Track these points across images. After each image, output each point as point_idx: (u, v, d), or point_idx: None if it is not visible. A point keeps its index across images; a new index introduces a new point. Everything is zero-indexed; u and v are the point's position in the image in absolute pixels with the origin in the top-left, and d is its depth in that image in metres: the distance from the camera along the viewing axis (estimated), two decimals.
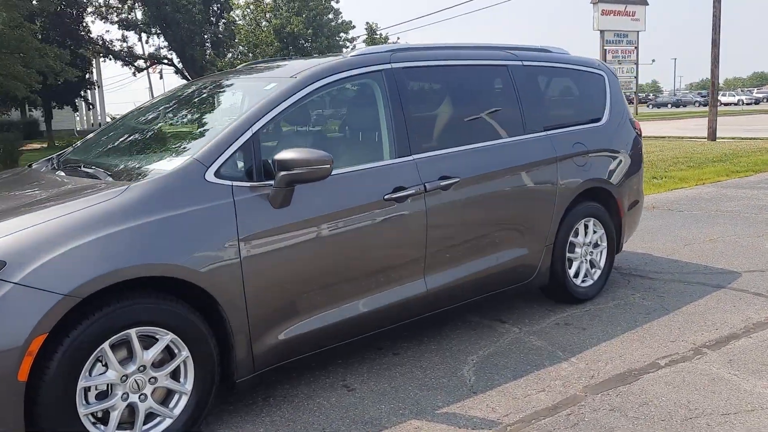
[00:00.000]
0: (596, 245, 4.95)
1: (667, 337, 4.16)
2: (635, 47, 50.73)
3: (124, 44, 46.71)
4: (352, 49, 35.93)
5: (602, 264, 4.98)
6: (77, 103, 40.89)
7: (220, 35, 42.30)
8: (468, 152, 4.05)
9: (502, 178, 4.18)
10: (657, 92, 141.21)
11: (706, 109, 27.13)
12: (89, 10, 45.80)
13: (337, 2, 36.21)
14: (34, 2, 40.44)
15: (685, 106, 70.23)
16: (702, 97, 70.18)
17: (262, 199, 3.17)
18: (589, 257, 4.89)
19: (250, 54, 37.46)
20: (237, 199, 3.09)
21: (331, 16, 36.46)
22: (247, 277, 3.08)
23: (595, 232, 4.91)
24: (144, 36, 48.74)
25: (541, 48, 5.04)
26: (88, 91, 44.92)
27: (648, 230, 7.18)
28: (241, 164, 3.21)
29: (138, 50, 48.24)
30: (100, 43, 44.69)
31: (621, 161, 5.07)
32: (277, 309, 3.23)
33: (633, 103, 52.69)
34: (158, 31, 46.45)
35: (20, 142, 24.10)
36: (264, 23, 35.50)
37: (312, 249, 3.32)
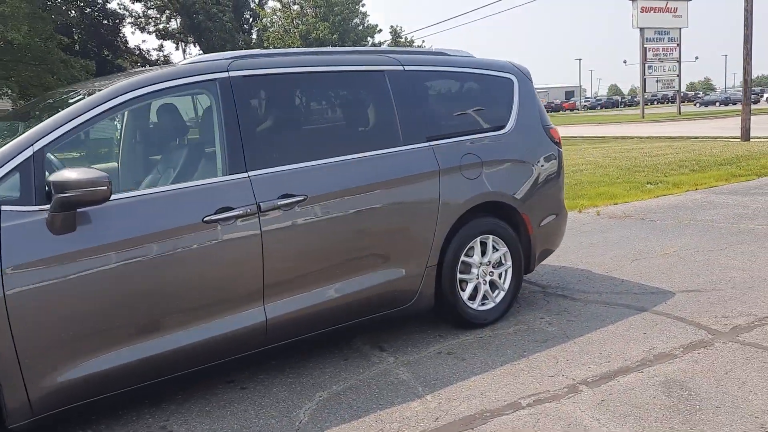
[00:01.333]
0: (499, 264, 4.53)
1: (548, 370, 3.73)
2: (677, 44, 49.19)
3: (161, 53, 47.63)
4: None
5: (506, 285, 4.55)
6: None
7: (252, 43, 42.59)
8: (321, 167, 3.70)
9: (365, 194, 3.81)
10: (710, 90, 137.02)
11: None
12: (128, 20, 46.83)
13: (363, 6, 36.03)
14: (72, 14, 41.64)
15: (734, 104, 67.61)
16: (754, 94, 67.50)
17: (40, 225, 2.90)
18: (488, 278, 4.47)
19: None
20: (4, 225, 2.82)
21: (357, 20, 36.28)
22: (14, 313, 2.80)
23: (496, 250, 4.49)
24: (181, 45, 49.63)
25: (436, 51, 4.65)
26: None
27: (604, 243, 6.67)
28: (17, 186, 2.93)
29: (175, 59, 49.09)
30: (137, 53, 45.59)
31: (529, 173, 4.63)
32: (60, 347, 2.95)
33: (675, 101, 51.04)
34: (193, 40, 47.16)
35: None
36: (292, 29, 35.51)
37: (105, 279, 3.03)
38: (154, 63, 46.83)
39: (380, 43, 34.46)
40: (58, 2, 37.70)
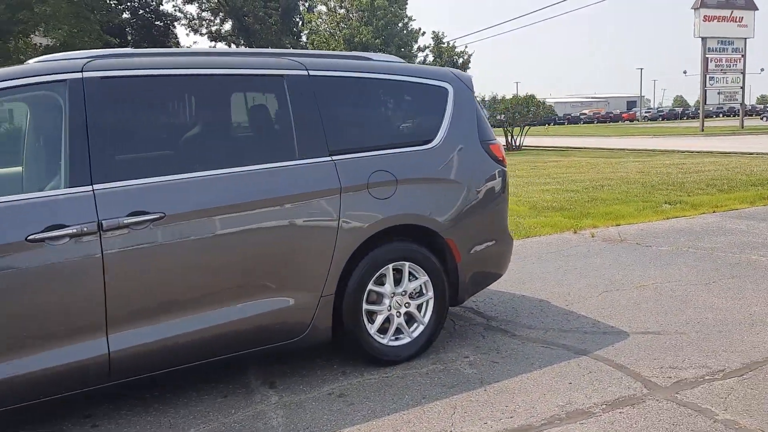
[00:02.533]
0: (419, 294, 4.04)
1: (437, 424, 3.23)
2: (742, 55, 47.08)
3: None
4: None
5: (426, 318, 4.05)
6: None
7: (299, 46, 42.71)
8: (188, 182, 3.29)
9: (241, 213, 3.39)
10: None
11: None
12: (182, 22, 47.67)
13: (406, 10, 35.56)
14: (125, 15, 42.60)
15: None
16: None
17: None
18: (404, 309, 3.98)
19: None
20: None
21: (400, 25, 35.88)
22: None
23: (414, 278, 4.00)
24: (233, 47, 50.25)
25: (358, 56, 4.19)
26: None
27: (581, 269, 6.07)
28: None
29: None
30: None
31: (459, 194, 4.12)
32: None
33: (739, 114, 48.76)
34: (243, 42, 47.65)
35: None
36: (337, 33, 35.39)
37: None
38: None
39: (424, 48, 33.98)
40: (112, 3, 38.58)
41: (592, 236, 7.64)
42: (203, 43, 48.95)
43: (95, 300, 3.05)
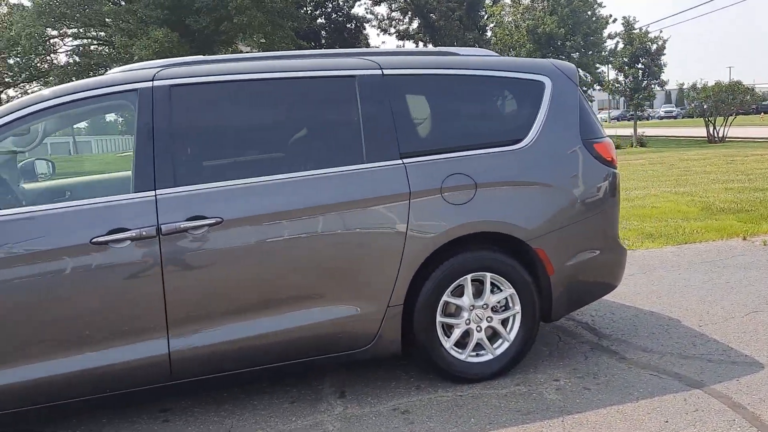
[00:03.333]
0: (505, 308, 3.72)
1: None
2: None
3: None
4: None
5: (512, 335, 3.72)
6: None
7: (483, 41, 42.29)
8: (249, 187, 3.29)
9: (303, 219, 3.32)
10: None
11: None
12: (373, 23, 49.35)
13: None
14: (320, 20, 44.94)
15: None
16: None
17: None
18: (485, 324, 3.69)
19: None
20: None
21: (589, 12, 33.99)
22: None
23: (498, 291, 3.69)
24: (421, 45, 51.02)
25: (443, 51, 3.95)
26: None
27: (734, 284, 5.28)
28: None
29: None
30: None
31: (553, 199, 3.73)
32: None
33: None
34: (428, 40, 48.20)
35: None
36: (521, 25, 34.46)
37: None
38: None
39: (614, 35, 31.68)
40: (308, 9, 40.90)
41: (765, 244, 6.64)
42: (391, 42, 50.24)
43: (155, 302, 3.14)
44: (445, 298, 3.59)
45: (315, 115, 3.57)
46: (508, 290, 3.69)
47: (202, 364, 3.27)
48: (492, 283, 3.68)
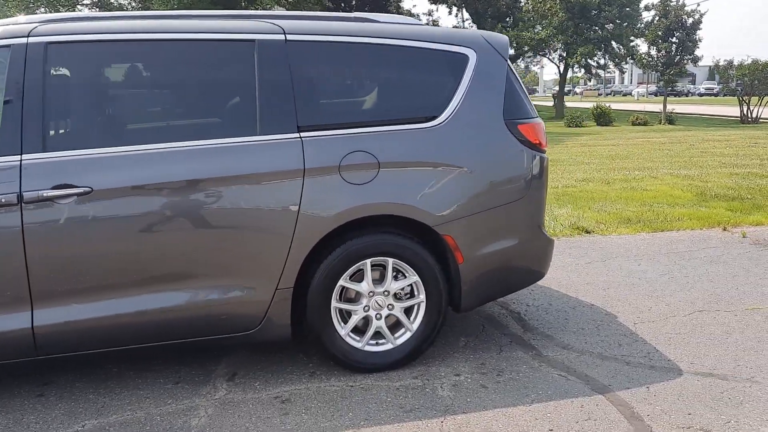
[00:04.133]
0: (410, 296, 3.50)
1: None
2: None
3: (430, 18, 48.45)
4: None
5: (415, 324, 3.51)
6: None
7: (517, 7, 41.15)
8: (125, 156, 3.09)
9: (183, 192, 3.12)
10: None
11: None
12: None
13: None
14: None
15: None
16: None
17: None
18: (386, 312, 3.47)
19: (538, 27, 35.66)
20: None
21: None
22: None
23: (402, 277, 3.47)
24: (453, 10, 49.95)
25: (358, 17, 3.67)
26: None
27: (693, 279, 4.98)
28: None
29: (445, 24, 49.64)
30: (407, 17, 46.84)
31: (466, 182, 3.48)
32: None
33: None
34: (462, 4, 47.14)
35: None
36: None
37: None
38: None
39: (650, 7, 30.38)
40: None
41: (743, 236, 6.28)
42: (423, 6, 49.17)
43: (17, 273, 2.98)
44: (342, 282, 3.38)
45: (207, 81, 3.34)
46: (413, 278, 3.46)
47: (70, 340, 3.12)
48: (396, 270, 3.46)
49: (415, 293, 3.50)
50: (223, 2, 27.00)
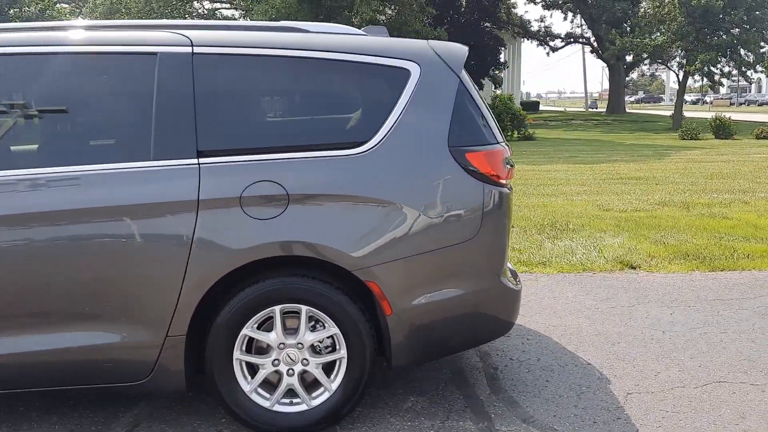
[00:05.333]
0: (331, 350, 3.01)
1: None
2: None
3: (542, 24, 47.00)
4: None
5: (335, 384, 3.00)
6: (482, 82, 42.80)
7: (634, 12, 38.98)
8: None
9: (55, 223, 2.78)
10: None
11: None
12: None
13: None
14: None
15: None
16: None
17: None
18: (300, 367, 2.99)
19: (656, 33, 33.39)
20: None
21: None
22: None
23: (321, 327, 2.99)
24: (569, 15, 48.19)
25: (283, 27, 3.21)
26: (502, 70, 46.80)
27: (736, 337, 4.13)
28: None
29: (557, 30, 47.98)
30: (518, 23, 45.67)
31: (396, 220, 2.94)
32: None
33: None
34: (577, 10, 45.36)
35: None
36: None
37: None
38: (533, 34, 46.51)
39: None
40: None
41: None
42: (535, 12, 47.78)
43: None
44: (246, 331, 2.94)
45: (100, 99, 3.01)
46: (332, 329, 2.97)
47: None
48: (316, 319, 2.97)
49: (337, 347, 3.00)
50: (325, 12, 27.28)
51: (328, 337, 2.99)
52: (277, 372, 2.99)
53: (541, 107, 65.95)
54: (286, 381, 2.99)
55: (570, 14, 47.94)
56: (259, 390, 3.00)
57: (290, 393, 3.02)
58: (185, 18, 27.35)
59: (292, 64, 3.02)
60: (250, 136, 2.97)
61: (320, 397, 3.02)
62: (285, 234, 2.87)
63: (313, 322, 2.98)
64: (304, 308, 2.94)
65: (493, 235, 3.08)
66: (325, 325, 2.97)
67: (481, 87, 43.43)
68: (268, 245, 2.86)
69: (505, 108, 26.22)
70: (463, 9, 43.38)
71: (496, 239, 3.11)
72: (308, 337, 2.97)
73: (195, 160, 2.86)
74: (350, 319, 2.94)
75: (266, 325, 2.97)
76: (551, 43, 47.99)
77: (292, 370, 2.99)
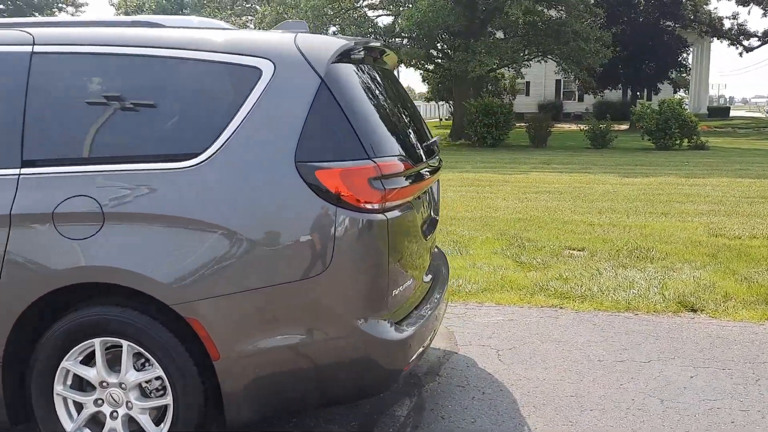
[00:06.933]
0: (161, 393, 2.60)
1: None
2: None
3: (734, 21, 42.44)
4: None
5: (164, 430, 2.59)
6: (659, 87, 39.69)
7: None
8: None
9: None
10: None
11: None
12: None
13: None
14: None
15: None
16: None
17: None
18: (123, 410, 2.61)
19: None
20: None
21: None
22: None
23: (145, 366, 2.59)
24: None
25: (138, 22, 2.82)
26: (683, 73, 43.03)
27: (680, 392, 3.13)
28: None
29: (753, 27, 43.14)
30: (706, 21, 41.65)
31: (224, 248, 2.45)
32: None
33: None
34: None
35: (549, 123, 25.16)
36: None
37: None
38: (723, 33, 42.17)
39: None
40: None
41: None
42: (727, 8, 43.28)
43: None
44: (66, 364, 2.62)
45: None
46: (156, 370, 2.56)
47: None
48: (145, 357, 2.58)
49: (166, 390, 2.57)
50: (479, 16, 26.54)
51: (156, 379, 2.58)
52: (101, 413, 2.63)
53: (741, 113, 59.77)
54: (109, 425, 2.62)
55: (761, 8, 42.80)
56: (88, 430, 2.65)
57: None
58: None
59: (127, 63, 2.64)
60: (74, 144, 2.63)
61: None
62: (97, 258, 2.50)
63: (143, 360, 2.58)
64: (125, 343, 2.56)
65: (353, 272, 2.49)
66: (150, 364, 2.56)
67: (656, 91, 40.05)
68: (80, 269, 2.52)
69: (672, 114, 23.83)
70: (641, 8, 40.52)
71: (359, 276, 2.51)
72: (130, 377, 2.58)
73: (16, 171, 2.59)
74: (174, 361, 2.51)
75: (94, 359, 2.62)
76: (745, 43, 43.08)
77: (116, 413, 2.61)
